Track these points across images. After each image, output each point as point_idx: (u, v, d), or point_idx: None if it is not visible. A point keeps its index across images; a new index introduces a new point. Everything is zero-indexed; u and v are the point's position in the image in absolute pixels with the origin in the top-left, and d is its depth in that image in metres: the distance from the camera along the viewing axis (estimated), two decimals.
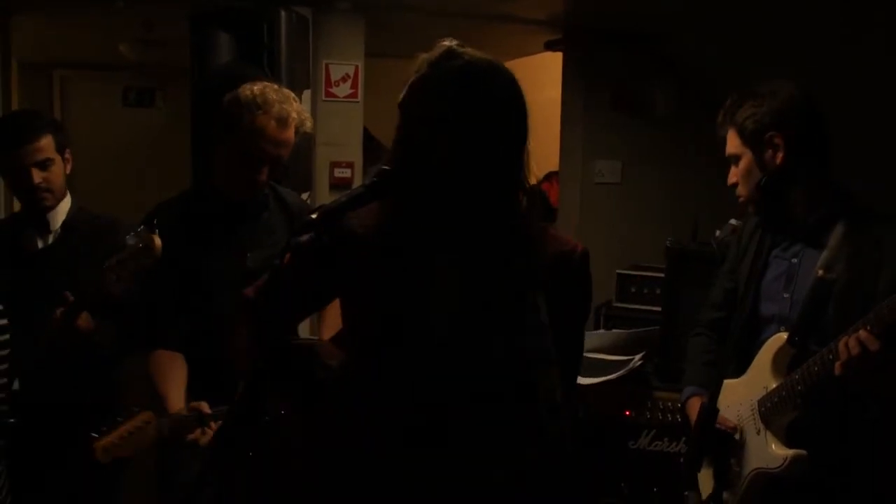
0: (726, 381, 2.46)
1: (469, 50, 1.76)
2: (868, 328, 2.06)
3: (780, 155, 2.35)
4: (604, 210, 5.59)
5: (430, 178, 1.74)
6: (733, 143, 2.46)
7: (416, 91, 1.76)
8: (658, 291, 4.03)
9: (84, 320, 2.72)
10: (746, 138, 2.41)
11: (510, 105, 1.76)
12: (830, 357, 2.15)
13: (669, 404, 3.50)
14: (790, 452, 2.27)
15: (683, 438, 3.42)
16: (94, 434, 2.48)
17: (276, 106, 2.63)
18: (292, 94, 2.73)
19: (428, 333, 1.76)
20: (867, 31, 3.80)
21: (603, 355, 3.78)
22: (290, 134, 2.68)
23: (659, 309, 3.85)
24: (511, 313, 1.73)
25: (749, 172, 2.42)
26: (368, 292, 1.83)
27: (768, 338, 2.40)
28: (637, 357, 3.67)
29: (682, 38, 5.09)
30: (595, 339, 3.90)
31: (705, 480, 2.49)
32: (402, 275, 1.78)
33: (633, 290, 4.28)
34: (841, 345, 2.11)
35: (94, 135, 7.34)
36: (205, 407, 2.52)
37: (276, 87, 2.71)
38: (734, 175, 2.47)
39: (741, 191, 2.46)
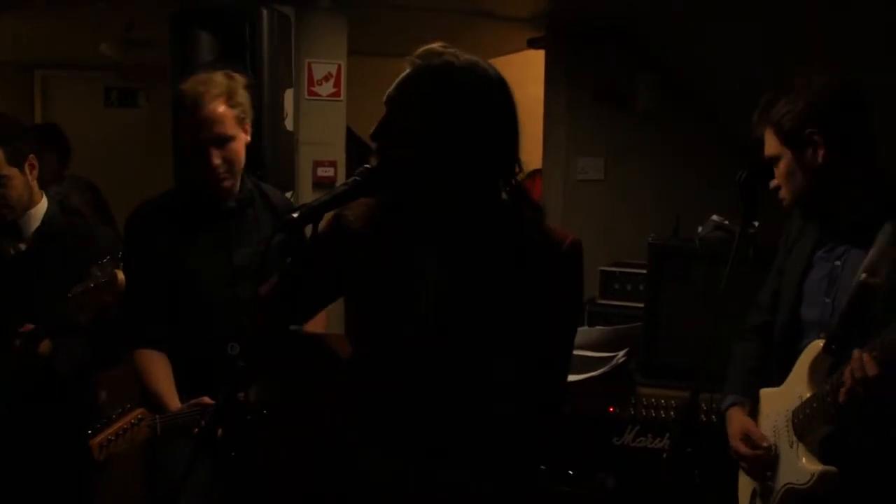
0: (766, 390, 2.38)
1: (454, 51, 1.78)
2: (873, 353, 1.95)
3: (821, 152, 2.20)
4: (587, 207, 5.61)
5: (412, 176, 1.76)
6: (771, 144, 2.30)
7: (400, 90, 1.78)
8: (641, 288, 4.05)
9: (44, 346, 2.72)
10: (784, 137, 2.26)
11: (490, 104, 1.77)
12: (842, 381, 2.03)
13: (653, 400, 3.52)
14: (818, 468, 2.13)
15: (667, 434, 3.44)
16: (88, 432, 2.48)
17: (191, 85, 2.63)
18: (224, 74, 2.70)
19: (416, 328, 1.78)
20: (855, 21, 3.81)
21: (586, 352, 3.79)
22: (213, 110, 2.62)
23: (642, 305, 3.87)
24: (497, 308, 1.76)
25: (791, 174, 2.27)
26: (359, 287, 1.87)
27: (808, 344, 2.26)
28: (620, 353, 3.69)
29: (665, 34, 5.11)
30: (579, 336, 3.90)
31: (743, 492, 2.45)
32: (389, 270, 1.82)
33: (616, 286, 4.29)
34: (847, 371, 2.00)
35: (76, 135, 7.29)
36: (207, 400, 2.52)
37: (211, 72, 2.70)
38: (778, 177, 2.32)
39: (784, 194, 2.33)
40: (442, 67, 1.76)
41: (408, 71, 1.79)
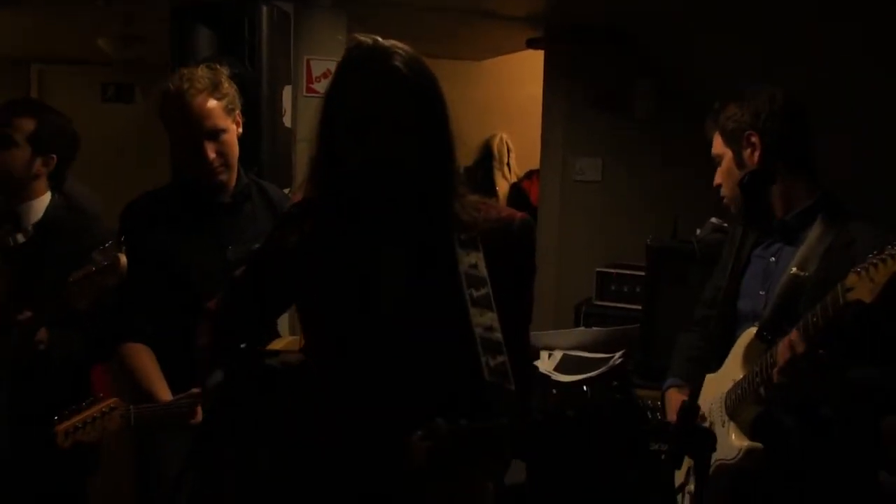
0: (706, 375, 2.48)
1: (373, 42, 1.83)
2: (799, 332, 2.09)
3: (756, 154, 2.41)
4: (584, 208, 5.60)
5: (348, 178, 1.79)
6: (717, 144, 2.53)
7: (347, 87, 1.91)
8: (638, 289, 4.05)
9: (42, 335, 2.70)
10: (727, 138, 2.48)
11: (439, 93, 1.80)
12: (772, 361, 2.18)
13: (650, 402, 3.51)
14: (745, 444, 2.28)
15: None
16: (55, 418, 2.47)
17: (176, 83, 2.62)
18: (206, 67, 2.70)
19: (371, 328, 1.81)
20: (848, 32, 3.82)
21: (583, 353, 3.79)
22: (201, 103, 2.62)
23: (639, 307, 3.86)
24: (454, 295, 1.76)
25: (730, 172, 2.48)
26: (319, 293, 1.88)
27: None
28: (617, 355, 3.68)
29: (664, 36, 5.10)
30: (575, 337, 3.91)
31: (681, 471, 2.52)
32: (351, 271, 1.83)
33: (613, 287, 4.29)
34: (779, 350, 2.14)
35: None
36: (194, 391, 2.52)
37: (194, 67, 2.69)
38: (719, 176, 2.53)
39: (724, 191, 2.52)
40: (385, 57, 1.80)
41: (343, 65, 1.87)
